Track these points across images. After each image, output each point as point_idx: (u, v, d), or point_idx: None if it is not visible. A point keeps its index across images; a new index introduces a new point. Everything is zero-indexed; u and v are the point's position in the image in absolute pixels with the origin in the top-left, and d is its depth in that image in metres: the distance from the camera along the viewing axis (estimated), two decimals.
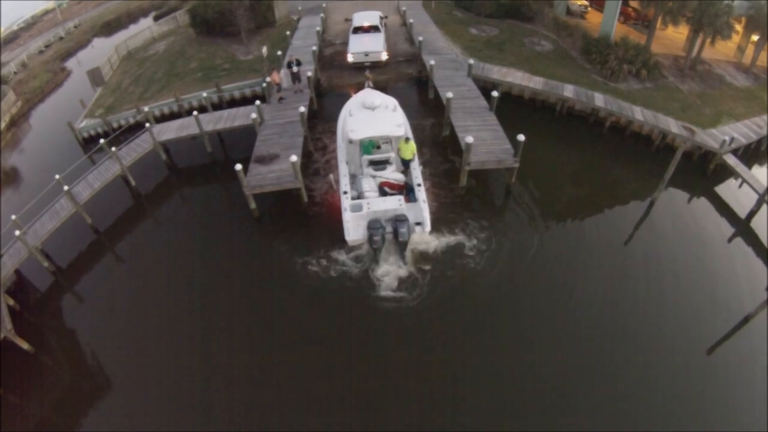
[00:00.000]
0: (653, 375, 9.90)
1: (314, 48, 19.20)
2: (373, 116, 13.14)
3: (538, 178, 14.60)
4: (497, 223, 13.21)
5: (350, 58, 19.29)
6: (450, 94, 15.06)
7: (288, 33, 21.39)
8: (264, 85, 16.35)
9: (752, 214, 13.71)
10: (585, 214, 13.74)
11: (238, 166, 12.49)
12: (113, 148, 15.05)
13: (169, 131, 16.26)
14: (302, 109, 14.65)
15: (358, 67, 19.25)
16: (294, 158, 12.38)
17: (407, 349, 10.56)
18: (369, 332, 10.97)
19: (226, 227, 14.03)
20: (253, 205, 13.41)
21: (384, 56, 19.30)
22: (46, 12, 42.33)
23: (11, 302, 12.45)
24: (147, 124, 15.74)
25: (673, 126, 16.16)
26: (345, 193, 12.24)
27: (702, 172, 15.26)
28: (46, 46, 33.28)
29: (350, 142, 12.90)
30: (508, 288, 11.70)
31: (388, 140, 13.32)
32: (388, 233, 11.44)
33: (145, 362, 10.94)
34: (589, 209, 13.98)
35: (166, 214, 15.45)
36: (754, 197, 13.72)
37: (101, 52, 29.15)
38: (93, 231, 14.67)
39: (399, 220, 11.35)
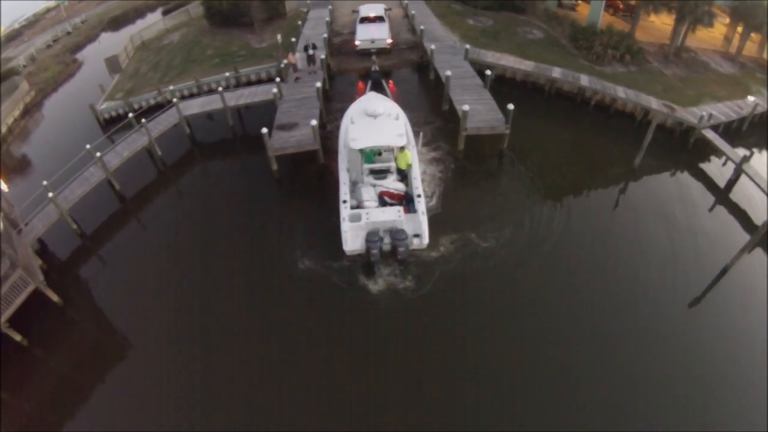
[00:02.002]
0: (639, 329, 11.44)
1: (325, 35, 22.55)
2: (374, 124, 13.85)
3: (528, 151, 17.26)
4: (491, 186, 15.93)
5: (358, 45, 22.54)
6: (449, 72, 18.19)
7: (300, 23, 24.87)
8: (282, 66, 19.57)
9: (731, 183, 16.08)
10: (572, 181, 16.21)
11: (264, 130, 15.32)
12: (143, 120, 17.69)
13: (193, 107, 19.26)
14: (318, 84, 17.80)
15: (365, 54, 22.54)
16: (314, 122, 15.31)
17: (407, 347, 11.40)
18: (369, 329, 11.88)
19: (248, 191, 16.55)
20: (275, 166, 16.25)
21: (389, 42, 22.59)
22: (48, 10, 46.01)
23: (39, 262, 14.06)
24: (174, 100, 18.68)
25: (654, 104, 18.86)
26: (344, 201, 12.97)
27: (683, 147, 17.77)
28: (54, 41, 36.48)
29: (351, 150, 13.73)
30: (501, 250, 13.26)
31: (389, 149, 14.09)
32: (386, 245, 12.21)
33: (162, 325, 12.45)
34: (576, 177, 16.50)
35: (190, 183, 17.98)
36: (732, 168, 16.03)
37: (110, 45, 32.09)
38: (119, 199, 16.94)
39: (398, 238, 11.95)
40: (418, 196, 13.16)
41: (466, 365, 11.01)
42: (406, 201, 13.68)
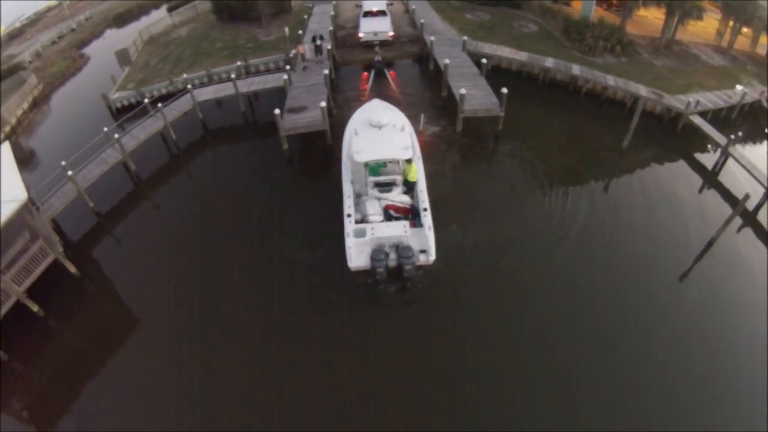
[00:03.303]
0: (631, 304, 12.40)
1: (330, 29, 24.86)
2: (379, 136, 13.95)
3: (522, 135, 19.10)
4: (486, 169, 17.73)
5: (362, 38, 24.88)
6: (447, 61, 20.35)
7: (305, 17, 27.47)
8: (291, 55, 21.86)
9: (718, 165, 17.85)
10: (564, 165, 17.64)
11: (276, 111, 17.31)
12: (159, 104, 19.49)
13: (206, 93, 21.27)
14: (325, 71, 19.98)
15: (368, 46, 24.88)
16: (323, 104, 17.32)
17: (407, 347, 11.84)
18: (369, 329, 12.36)
19: (260, 172, 18.28)
20: (285, 146, 18.20)
21: (391, 34, 24.89)
22: (50, 8, 48.50)
23: (57, 238, 14.73)
24: (189, 86, 20.68)
25: (643, 92, 20.74)
26: (348, 216, 13.05)
27: (672, 132, 19.64)
28: (59, 38, 38.59)
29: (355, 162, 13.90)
30: (498, 247, 14.06)
31: (395, 161, 14.35)
32: (392, 260, 12.40)
33: (165, 317, 13.22)
34: (567, 161, 18.12)
35: (202, 165, 19.70)
36: (719, 151, 17.85)
37: (116, 41, 33.78)
38: (134, 181, 18.57)
39: (404, 256, 12.06)
40: (425, 209, 13.28)
41: (466, 365, 11.45)
42: (412, 215, 13.92)
